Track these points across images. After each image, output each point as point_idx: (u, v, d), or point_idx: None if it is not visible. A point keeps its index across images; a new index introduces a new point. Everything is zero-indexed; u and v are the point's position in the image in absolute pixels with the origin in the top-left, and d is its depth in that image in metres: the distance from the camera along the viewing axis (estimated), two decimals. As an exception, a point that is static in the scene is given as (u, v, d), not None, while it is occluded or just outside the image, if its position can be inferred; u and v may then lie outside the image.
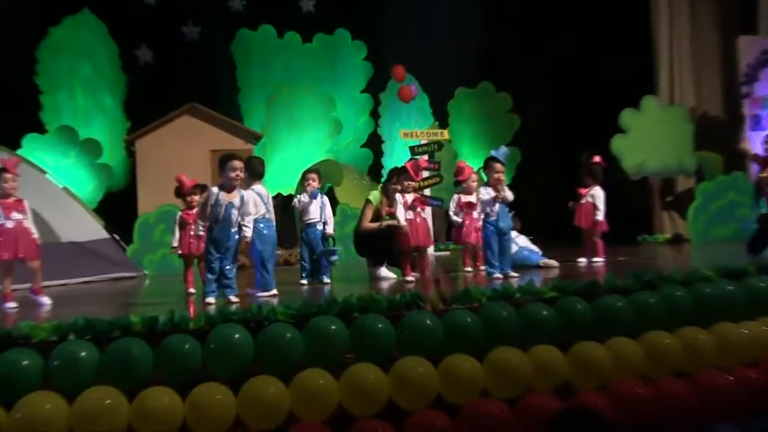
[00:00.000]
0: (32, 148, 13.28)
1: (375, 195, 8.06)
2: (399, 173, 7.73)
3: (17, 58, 14.10)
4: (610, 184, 8.68)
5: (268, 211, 6.92)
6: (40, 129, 14.05)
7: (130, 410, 4.12)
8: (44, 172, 11.29)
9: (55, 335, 4.42)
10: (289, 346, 4.40)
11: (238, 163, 6.43)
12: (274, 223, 6.97)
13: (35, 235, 7.28)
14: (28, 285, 7.48)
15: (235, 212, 6.38)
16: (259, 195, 6.93)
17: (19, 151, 12.31)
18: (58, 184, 11.43)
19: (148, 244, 11.68)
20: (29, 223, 7.25)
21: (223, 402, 4.20)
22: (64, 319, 4.57)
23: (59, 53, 14.45)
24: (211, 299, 6.20)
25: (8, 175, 7.19)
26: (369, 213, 7.97)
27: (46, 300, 7.25)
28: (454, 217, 8.41)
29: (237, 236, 6.40)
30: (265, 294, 6.56)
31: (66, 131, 13.82)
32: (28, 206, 7.33)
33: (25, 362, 4.17)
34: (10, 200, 7.21)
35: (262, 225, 6.77)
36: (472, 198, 8.23)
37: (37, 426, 3.98)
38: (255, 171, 7.08)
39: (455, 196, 8.46)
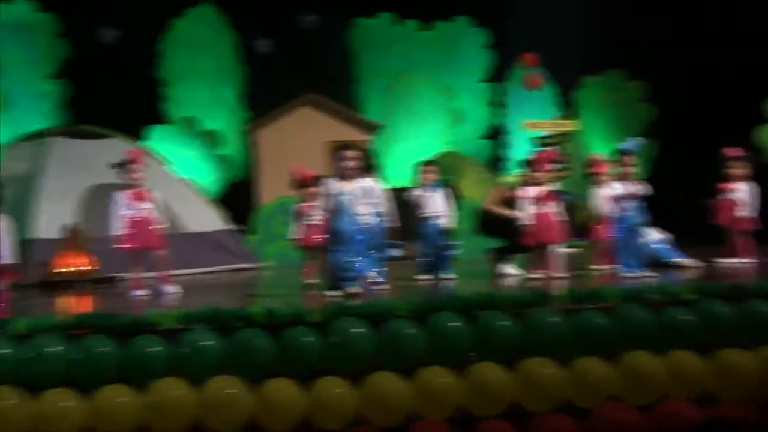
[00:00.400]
0: (157, 140, 13.77)
1: (504, 182, 7.97)
2: (525, 165, 7.64)
3: (143, 51, 14.60)
4: (759, 178, 8.27)
5: (377, 204, 6.98)
6: (164, 121, 14.54)
7: (252, 400, 4.25)
8: (168, 164, 11.71)
9: (182, 323, 4.60)
10: (410, 342, 4.43)
11: (351, 153, 6.50)
12: (386, 217, 7.02)
13: (162, 224, 7.58)
14: (155, 274, 7.79)
15: (351, 202, 6.45)
16: (372, 188, 7.01)
17: (144, 143, 12.81)
18: (180, 175, 11.85)
19: (268, 235, 11.95)
20: (156, 213, 7.54)
21: (344, 396, 4.28)
22: (190, 308, 4.74)
23: (181, 45, 14.90)
24: (332, 291, 6.28)
25: (135, 166, 7.50)
26: (496, 195, 7.88)
27: (172, 289, 7.53)
28: (599, 211, 8.08)
29: (356, 227, 6.48)
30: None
31: (188, 122, 14.29)
32: (155, 196, 7.63)
33: (153, 348, 4.37)
34: (138, 191, 7.52)
35: (368, 218, 6.84)
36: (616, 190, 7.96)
37: (167, 411, 4.18)
38: (368, 163, 7.15)
39: (598, 190, 8.17)
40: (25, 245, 9.41)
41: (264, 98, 14.35)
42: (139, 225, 7.43)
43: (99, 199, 10.69)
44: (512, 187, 7.72)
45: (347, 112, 13.70)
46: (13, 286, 5.94)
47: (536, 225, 7.23)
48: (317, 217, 6.77)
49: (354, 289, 6.31)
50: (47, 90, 14.48)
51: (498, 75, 15.59)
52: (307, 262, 7.74)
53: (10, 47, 13.96)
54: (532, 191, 7.35)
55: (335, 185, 6.45)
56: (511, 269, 7.72)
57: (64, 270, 10.34)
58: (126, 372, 4.38)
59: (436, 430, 4.25)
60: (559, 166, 9.69)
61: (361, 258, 6.56)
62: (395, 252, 9.60)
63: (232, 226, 11.72)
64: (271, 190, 12.80)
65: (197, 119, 14.43)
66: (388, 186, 7.34)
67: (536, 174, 7.40)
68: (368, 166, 7.13)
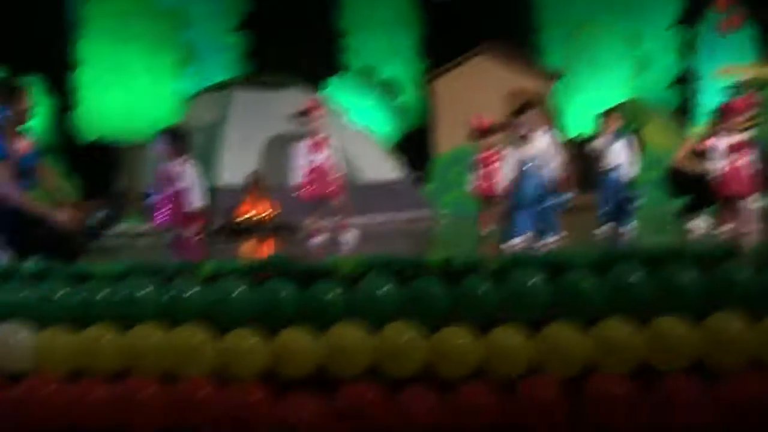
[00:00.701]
0: (335, 89, 14.07)
1: (696, 133, 7.69)
2: (718, 114, 7.31)
3: (322, 1, 14.85)
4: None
5: (556, 156, 6.91)
6: (343, 70, 14.81)
7: (428, 347, 4.34)
8: (345, 113, 11.95)
9: (360, 270, 4.72)
10: (588, 293, 4.38)
11: (530, 109, 6.47)
12: (563, 168, 6.94)
13: (340, 173, 7.78)
14: (333, 221, 8.03)
15: (532, 158, 6.44)
16: (551, 141, 6.94)
17: (322, 92, 13.12)
18: (358, 124, 12.07)
19: (445, 184, 12.03)
20: (334, 162, 7.75)
21: (520, 345, 4.30)
22: (367, 255, 4.87)
23: (362, -6, 15.07)
24: (514, 239, 6.32)
25: (314, 115, 7.71)
26: (686, 146, 7.60)
27: (350, 236, 7.75)
28: None
29: (536, 179, 6.45)
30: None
31: (366, 72, 14.50)
32: (333, 144, 7.83)
33: (333, 294, 4.52)
34: (317, 139, 7.73)
35: (547, 171, 6.78)
36: None
37: (345, 355, 4.34)
38: (546, 116, 7.07)
39: None
40: (210, 193, 9.89)
41: (442, 47, 14.32)
42: (318, 174, 7.66)
43: (279, 148, 11.11)
44: (703, 137, 7.43)
45: (527, 62, 13.49)
46: (200, 231, 6.28)
47: (728, 177, 6.94)
48: (496, 166, 6.79)
49: (532, 239, 6.33)
50: (231, 42, 15.02)
51: (689, 18, 14.90)
52: (484, 212, 7.76)
53: (197, 1, 14.54)
54: (725, 142, 7.04)
55: (515, 138, 6.46)
56: (700, 222, 7.45)
57: (246, 217, 10.85)
58: (305, 316, 4.55)
59: (616, 384, 4.20)
60: (754, 114, 9.21)
61: (540, 209, 6.56)
62: (572, 203, 9.46)
63: (409, 175, 11.86)
64: (448, 139, 12.85)
65: (375, 68, 14.58)
66: (569, 137, 7.26)
67: (729, 123, 7.08)
68: (546, 119, 7.07)
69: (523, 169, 6.43)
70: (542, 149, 6.60)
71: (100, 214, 5.96)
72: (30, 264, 5.23)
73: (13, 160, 5.69)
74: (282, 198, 10.28)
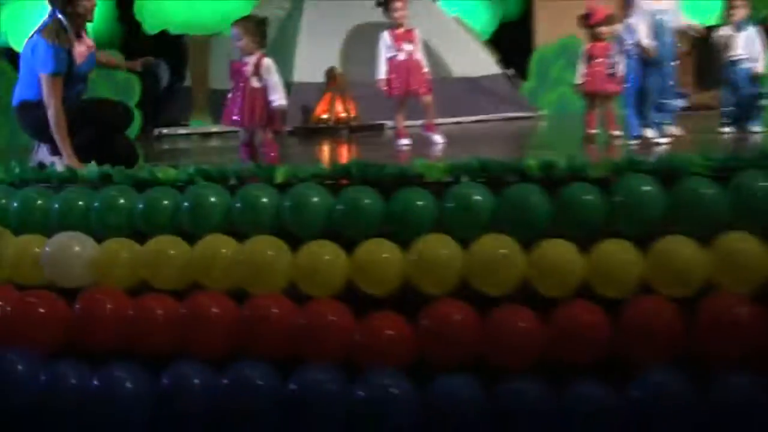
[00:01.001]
0: (422, -27, 13.85)
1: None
2: None
3: None
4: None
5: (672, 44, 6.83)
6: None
7: (525, 261, 4.29)
8: (434, 0, 11.74)
9: (449, 176, 4.67)
10: (708, 204, 4.25)
11: None
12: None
13: (426, 68, 7.67)
14: (420, 122, 7.97)
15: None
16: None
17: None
18: (449, 13, 11.85)
19: (546, 80, 11.81)
20: (420, 55, 7.63)
21: (628, 261, 4.21)
22: (458, 159, 4.80)
23: None
24: (641, 132, 6.59)
25: (398, 3, 7.56)
26: None
27: (439, 138, 7.68)
28: None
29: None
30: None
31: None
32: (419, 36, 7.70)
33: (419, 202, 4.48)
34: (401, 30, 7.61)
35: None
36: None
37: (435, 269, 4.32)
38: None
39: None
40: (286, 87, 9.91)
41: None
42: (404, 68, 7.57)
43: (361, 40, 11.01)
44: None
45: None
46: (276, 132, 6.28)
47: None
48: (607, 60, 6.72)
49: (652, 135, 6.40)
50: None
51: None
52: (591, 111, 7.59)
53: None
54: None
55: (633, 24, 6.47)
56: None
57: (324, 117, 10.86)
58: (389, 226, 4.54)
59: (736, 304, 4.09)
60: None
61: (661, 101, 6.61)
62: (691, 101, 9.25)
63: (505, 71, 11.66)
64: (550, 29, 12.54)
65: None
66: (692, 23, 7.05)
67: None
68: None
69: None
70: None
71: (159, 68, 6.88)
72: (89, 170, 5.33)
73: (75, 70, 5.90)
74: (363, 96, 10.22)
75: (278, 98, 6.05)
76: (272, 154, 6.16)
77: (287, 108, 6.36)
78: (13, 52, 11.65)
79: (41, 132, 6.04)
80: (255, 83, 6.07)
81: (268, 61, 6.08)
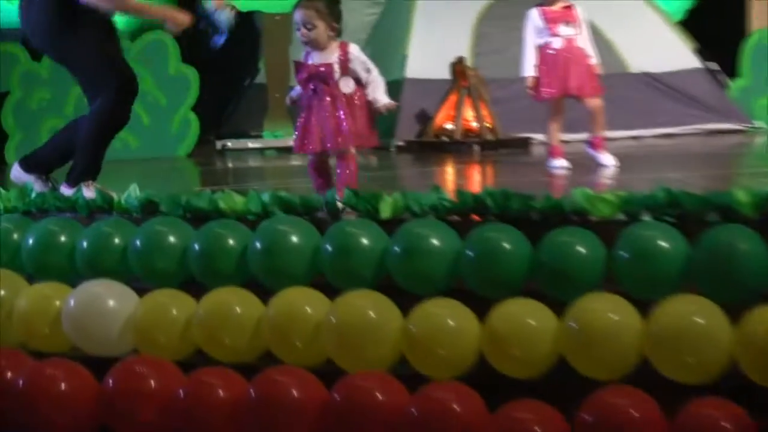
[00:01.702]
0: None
1: None
2: None
3: None
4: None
5: None
6: None
7: (734, 335, 4.23)
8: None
9: (623, 212, 4.69)
10: None
11: None
12: None
13: (594, 59, 7.67)
14: (583, 135, 7.94)
15: None
16: None
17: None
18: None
19: (763, 79, 11.68)
20: (585, 42, 7.65)
21: None
22: (636, 190, 4.83)
23: None
24: None
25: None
26: None
27: (609, 159, 7.63)
28: None
29: None
30: None
31: None
32: (582, 16, 7.71)
33: (580, 248, 4.49)
34: (556, 7, 7.63)
35: None
36: None
37: (602, 342, 4.25)
38: None
39: None
40: (391, 89, 10.12)
41: None
42: (561, 60, 7.59)
43: (497, 22, 11.11)
44: None
45: None
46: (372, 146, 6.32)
47: None
48: None
49: None
50: None
51: None
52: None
53: None
54: None
55: None
56: None
57: (448, 127, 10.95)
58: (537, 279, 4.59)
59: None
60: None
61: None
62: None
63: (706, 64, 11.58)
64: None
65: None
66: None
67: None
68: None
69: None
70: None
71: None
72: (128, 197, 5.53)
73: None
74: (501, 99, 10.29)
75: (382, 96, 6.06)
76: (348, 170, 6.06)
77: (394, 113, 6.43)
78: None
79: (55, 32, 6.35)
80: (345, 87, 5.98)
81: (355, 49, 6.06)
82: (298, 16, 5.89)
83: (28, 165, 6.42)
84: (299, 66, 5.99)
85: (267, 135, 12.37)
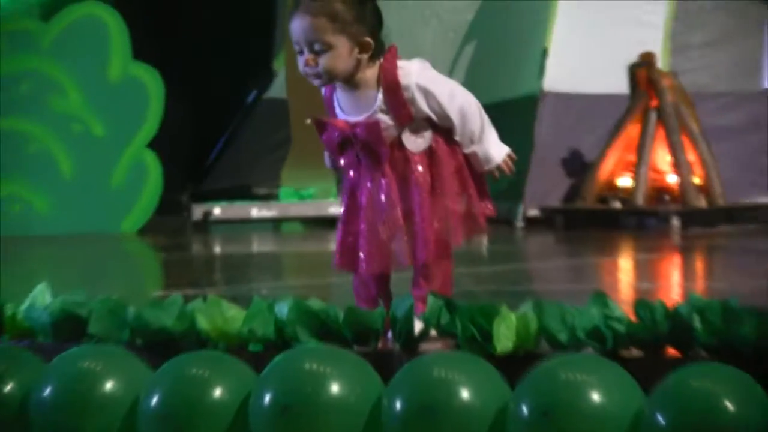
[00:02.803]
0: None
1: None
2: None
3: None
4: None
5: None
6: None
7: None
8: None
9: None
10: None
11: None
12: None
13: None
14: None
15: None
16: None
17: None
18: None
19: None
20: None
21: None
22: None
23: None
24: None
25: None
26: None
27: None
28: None
29: None
30: None
31: None
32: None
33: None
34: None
35: None
36: None
37: None
38: None
39: None
40: (517, 112, 10.25)
41: None
42: None
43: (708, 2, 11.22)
44: None
45: None
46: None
47: None
48: None
49: None
50: None
51: None
52: None
53: None
54: None
55: None
56: None
57: (622, 183, 11.02)
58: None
59: None
60: None
61: None
62: None
63: None
64: None
65: None
66: None
67: None
68: None
69: None
70: None
71: None
72: (37, 306, 5.57)
73: None
74: (723, 130, 10.36)
75: (490, 145, 6.00)
76: (438, 275, 6.06)
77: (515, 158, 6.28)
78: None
79: None
80: (414, 144, 5.90)
81: (414, 69, 5.96)
82: (297, 30, 5.83)
83: None
84: (322, 125, 5.99)
85: (286, 194, 12.44)
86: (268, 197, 12.28)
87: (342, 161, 5.80)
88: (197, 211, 11.94)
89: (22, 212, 10.18)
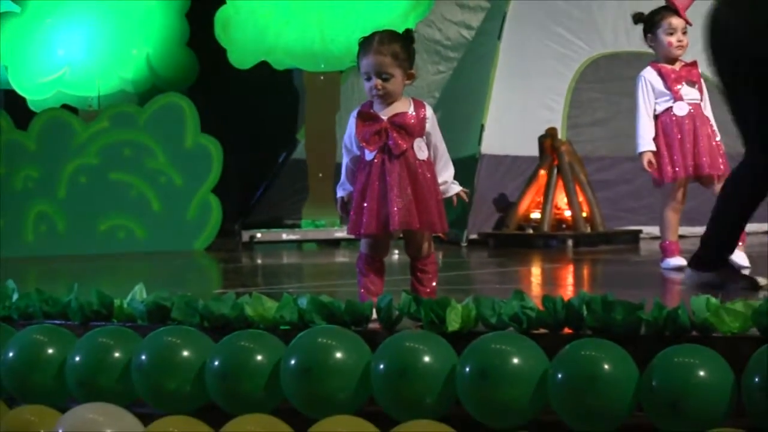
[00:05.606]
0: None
1: None
2: None
3: None
4: None
5: None
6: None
7: None
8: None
9: (756, 327, 4.59)
10: None
11: None
12: None
13: (718, 137, 7.53)
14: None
15: None
16: None
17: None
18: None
19: None
20: (708, 110, 7.54)
21: None
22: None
23: None
24: None
25: (673, 21, 7.53)
26: None
27: (742, 258, 7.35)
28: None
29: None
30: None
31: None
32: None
33: (704, 373, 4.42)
34: (677, 65, 7.57)
35: None
36: None
37: None
38: None
39: None
40: (463, 168, 10.15)
41: None
42: (687, 132, 7.46)
43: (599, 85, 11.10)
44: None
45: None
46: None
47: None
48: None
49: None
50: None
51: None
52: None
53: None
54: None
55: None
56: None
57: (533, 216, 10.94)
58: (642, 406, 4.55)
59: None
60: None
61: None
62: None
63: None
64: None
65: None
66: None
67: None
68: None
69: None
70: None
71: None
72: (133, 300, 5.57)
73: None
74: (603, 181, 10.27)
75: (450, 175, 5.98)
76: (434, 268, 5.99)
77: (466, 202, 6.25)
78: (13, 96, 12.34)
79: None
80: (420, 152, 5.85)
81: (431, 110, 5.97)
82: (370, 63, 5.73)
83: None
84: (368, 116, 5.84)
85: (306, 224, 12.37)
86: (294, 226, 12.21)
87: (369, 149, 5.75)
88: (245, 236, 11.88)
89: (125, 237, 10.13)
